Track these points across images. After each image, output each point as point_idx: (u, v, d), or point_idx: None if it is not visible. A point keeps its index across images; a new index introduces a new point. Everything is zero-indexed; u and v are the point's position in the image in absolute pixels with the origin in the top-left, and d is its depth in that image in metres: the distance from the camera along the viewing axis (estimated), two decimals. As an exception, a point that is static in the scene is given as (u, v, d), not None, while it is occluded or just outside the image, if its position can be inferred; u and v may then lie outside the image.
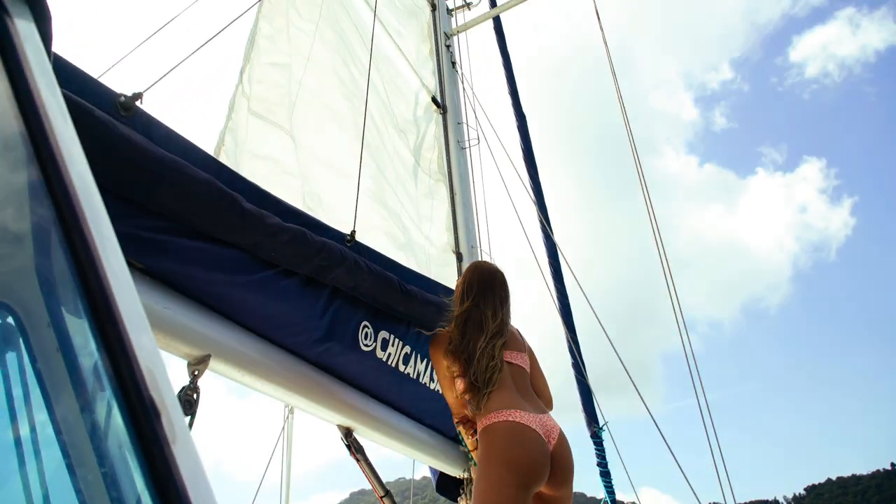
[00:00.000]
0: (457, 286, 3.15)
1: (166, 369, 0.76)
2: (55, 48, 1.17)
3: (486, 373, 2.77)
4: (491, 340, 2.85)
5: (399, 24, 6.45)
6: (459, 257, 5.45)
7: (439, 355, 2.98)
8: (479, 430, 2.72)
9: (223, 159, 3.62)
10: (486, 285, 3.01)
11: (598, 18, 6.38)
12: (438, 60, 6.73)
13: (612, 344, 4.69)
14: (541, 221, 5.60)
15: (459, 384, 2.86)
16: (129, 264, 2.07)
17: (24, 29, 0.95)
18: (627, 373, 4.57)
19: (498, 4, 7.06)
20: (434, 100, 6.48)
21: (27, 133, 0.90)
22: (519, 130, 6.40)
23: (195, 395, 2.33)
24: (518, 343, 3.09)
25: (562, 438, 2.77)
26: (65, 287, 0.90)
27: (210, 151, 3.62)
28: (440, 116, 6.40)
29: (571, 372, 5.08)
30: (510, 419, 2.63)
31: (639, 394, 4.51)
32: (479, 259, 5.43)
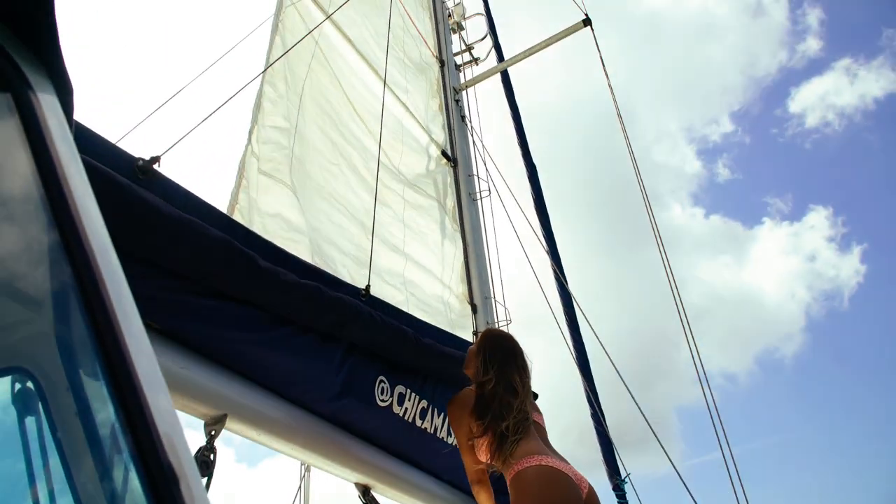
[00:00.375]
0: (470, 354, 3.15)
1: (184, 432, 0.76)
2: (80, 114, 1.21)
3: (517, 427, 2.76)
4: (523, 402, 2.87)
5: (406, 82, 6.54)
6: (474, 308, 5.44)
7: (462, 417, 2.96)
8: (509, 480, 2.65)
9: (237, 217, 3.67)
10: (507, 355, 3.00)
11: (606, 73, 6.49)
12: (448, 115, 6.84)
13: (632, 396, 4.61)
14: (555, 272, 5.59)
15: (481, 445, 2.83)
16: (147, 325, 2.09)
17: (46, 102, 0.99)
18: (649, 425, 4.48)
19: (505, 59, 7.20)
20: (444, 153, 6.55)
21: (48, 201, 0.93)
22: (530, 181, 6.45)
23: (212, 456, 2.31)
24: (534, 405, 3.14)
25: (592, 491, 2.72)
26: (83, 350, 0.91)
27: (224, 210, 3.68)
28: (451, 169, 6.48)
29: (584, 429, 4.99)
30: (542, 463, 2.58)
31: (662, 446, 4.41)
32: (494, 308, 5.42)
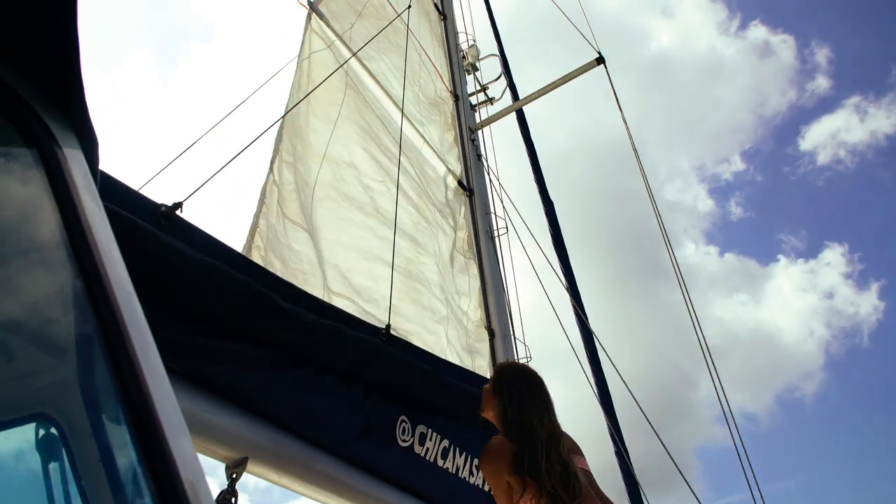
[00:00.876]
0: (486, 394, 2.88)
1: (205, 477, 0.77)
2: (105, 160, 1.24)
3: (567, 486, 2.47)
4: (550, 448, 2.55)
5: (421, 115, 6.72)
6: (491, 333, 5.45)
7: (498, 474, 2.60)
8: None
9: (255, 255, 3.72)
10: (529, 391, 2.74)
11: (620, 109, 6.54)
12: (464, 152, 6.93)
13: (657, 434, 4.54)
14: (575, 308, 5.56)
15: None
16: (168, 369, 2.11)
17: (71, 156, 1.02)
18: (676, 465, 4.39)
19: (520, 97, 7.28)
20: (460, 183, 6.67)
21: (73, 251, 0.95)
22: (547, 217, 6.46)
23: (233, 500, 2.31)
24: (576, 446, 2.82)
25: None
26: (106, 396, 0.92)
27: (243, 246, 3.73)
28: (467, 199, 6.57)
29: (603, 467, 4.89)
30: None
31: (689, 487, 4.32)
32: (513, 345, 5.39)
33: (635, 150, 6.40)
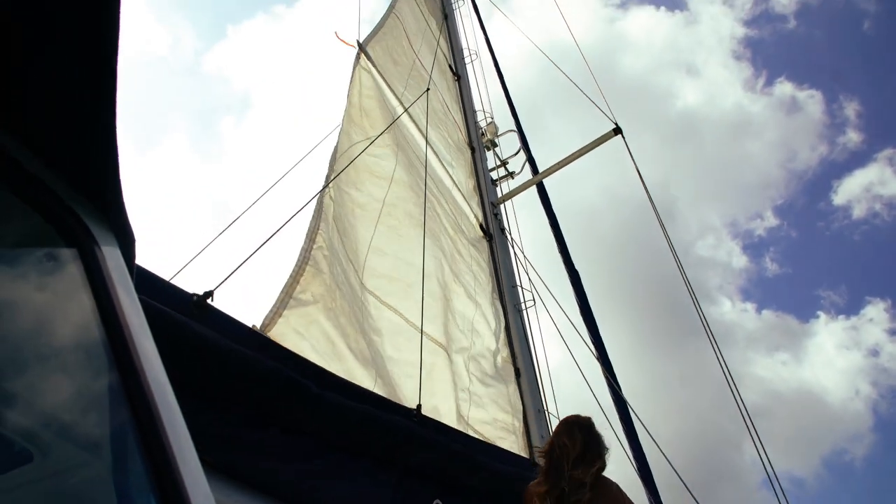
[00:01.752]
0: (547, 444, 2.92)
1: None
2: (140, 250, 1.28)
3: None
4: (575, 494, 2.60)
5: (451, 158, 7.23)
6: (517, 373, 5.42)
7: None
8: None
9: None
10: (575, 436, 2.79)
11: (640, 176, 6.59)
12: (487, 225, 7.04)
13: (697, 502, 4.35)
14: (607, 379, 5.46)
15: None
16: (202, 461, 2.10)
17: (109, 254, 1.06)
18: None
19: (539, 171, 7.38)
20: (482, 227, 6.96)
21: (110, 346, 0.97)
22: (574, 287, 6.42)
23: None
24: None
25: None
26: (140, 490, 0.92)
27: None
28: (488, 243, 6.85)
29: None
30: None
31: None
32: (547, 420, 5.28)
33: (656, 212, 6.41)
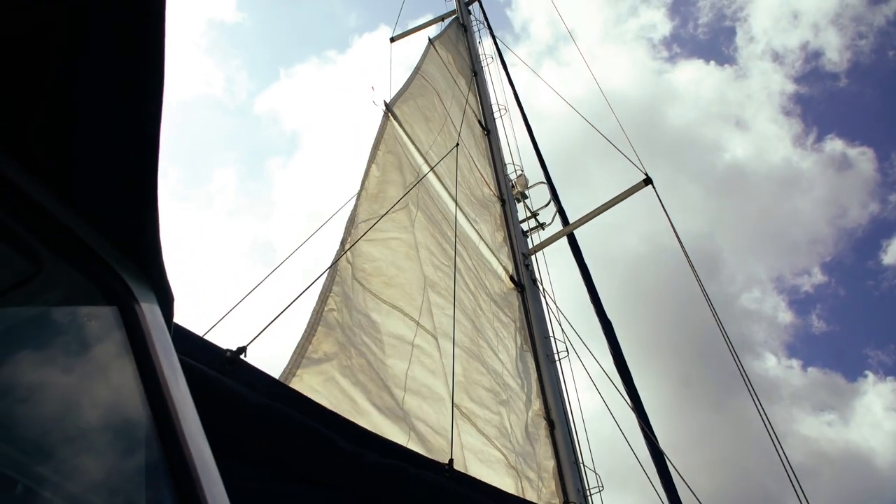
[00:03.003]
0: None
1: None
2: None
3: None
4: None
5: (476, 214, 7.31)
6: (551, 425, 5.34)
7: None
8: None
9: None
10: None
11: (673, 227, 6.56)
12: (519, 277, 7.02)
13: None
14: (643, 430, 5.34)
15: None
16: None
17: (149, 311, 1.09)
18: None
19: (570, 222, 7.40)
20: (512, 279, 6.97)
21: (149, 404, 1.00)
22: (607, 338, 6.36)
23: None
24: None
25: None
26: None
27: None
28: (519, 294, 6.84)
29: None
30: None
31: None
32: (583, 473, 5.16)
33: (691, 265, 6.35)
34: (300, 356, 3.81)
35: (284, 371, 3.69)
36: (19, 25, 0.80)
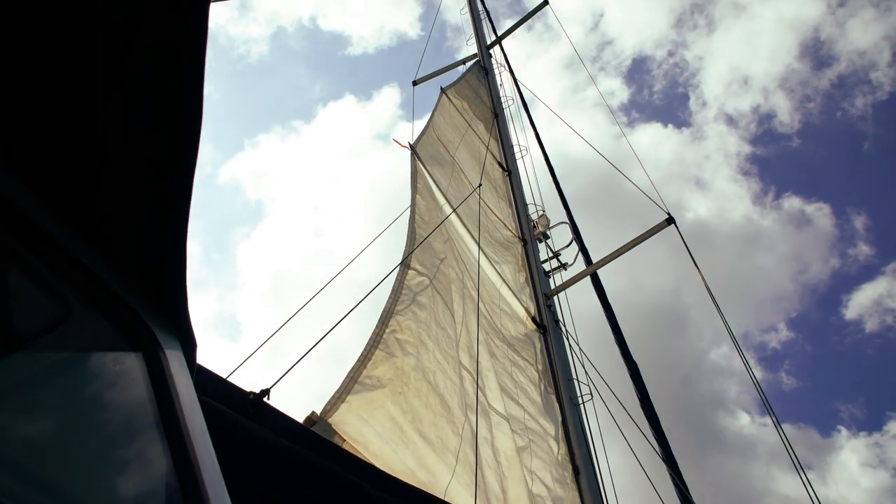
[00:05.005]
0: None
1: None
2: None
3: None
4: None
5: (497, 255, 7.40)
6: (576, 471, 5.23)
7: None
8: None
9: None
10: None
11: (696, 265, 6.50)
12: (541, 317, 6.97)
13: None
14: (672, 477, 5.21)
15: None
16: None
17: (172, 357, 1.11)
18: None
19: (593, 261, 7.36)
20: (534, 319, 6.97)
21: (171, 450, 1.00)
22: (633, 379, 6.24)
23: None
24: None
25: None
26: None
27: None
28: (542, 335, 6.85)
29: None
30: None
31: None
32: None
33: (716, 303, 6.26)
34: (353, 381, 3.83)
35: (333, 397, 3.70)
36: (61, 85, 0.84)
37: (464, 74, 11.50)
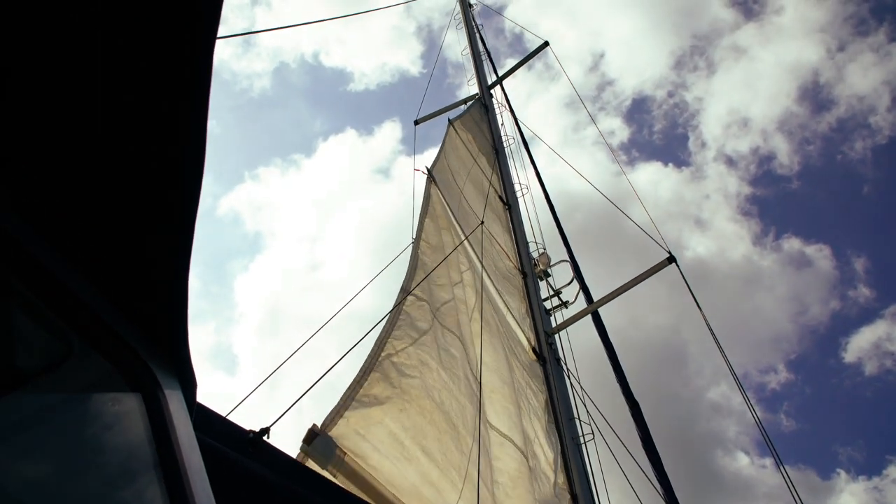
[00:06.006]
0: None
1: None
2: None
3: None
4: None
5: (501, 286, 7.53)
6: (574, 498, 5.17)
7: None
8: None
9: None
10: None
11: (698, 304, 6.48)
12: (541, 352, 6.96)
13: None
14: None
15: None
16: None
17: (172, 397, 1.10)
18: None
19: (594, 300, 7.34)
20: (534, 350, 7.05)
21: (167, 490, 0.99)
22: (634, 419, 6.17)
23: None
24: None
25: None
26: None
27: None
28: (541, 367, 6.90)
29: None
30: None
31: None
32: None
33: (718, 343, 6.23)
34: (350, 398, 3.82)
35: (332, 413, 3.68)
36: (63, 128, 0.85)
37: (466, 110, 11.69)
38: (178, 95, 0.88)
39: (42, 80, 0.80)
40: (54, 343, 1.00)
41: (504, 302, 7.16)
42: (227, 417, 2.45)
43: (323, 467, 3.26)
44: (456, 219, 7.22)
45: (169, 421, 1.05)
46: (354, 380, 4.02)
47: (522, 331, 7.19)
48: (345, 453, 3.45)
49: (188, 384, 1.17)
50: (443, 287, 5.78)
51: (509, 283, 7.98)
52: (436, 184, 7.33)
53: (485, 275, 6.63)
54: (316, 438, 3.31)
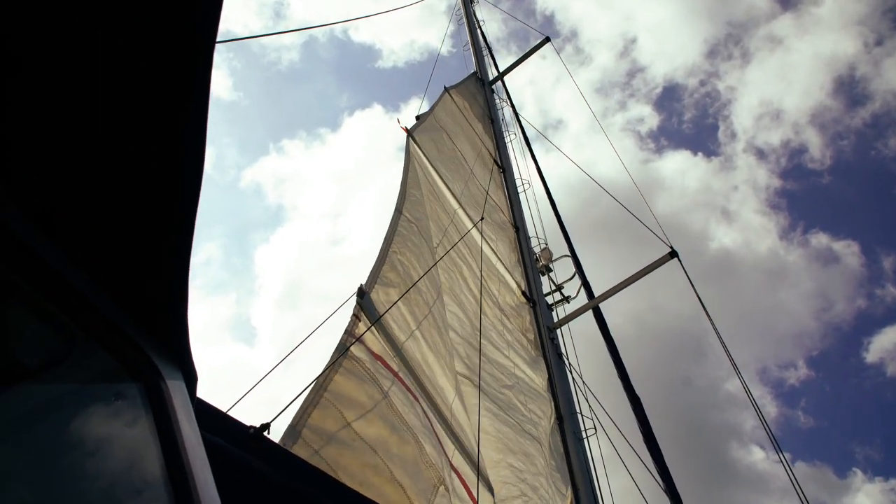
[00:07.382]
0: None
1: None
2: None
3: None
4: None
5: (494, 235, 7.87)
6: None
7: None
8: None
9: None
10: None
11: (700, 299, 6.49)
12: (544, 352, 6.95)
13: None
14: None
15: None
16: None
17: (174, 388, 1.12)
18: None
19: (595, 295, 7.35)
20: (523, 293, 7.40)
21: (170, 481, 1.01)
22: (635, 414, 6.19)
23: None
24: None
25: None
26: None
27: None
28: (531, 308, 7.23)
29: None
30: None
31: None
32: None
33: (722, 341, 6.24)
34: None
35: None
36: (60, 125, 0.87)
37: (464, 80, 11.89)
38: (178, 95, 0.89)
39: (42, 80, 0.82)
40: (55, 337, 1.02)
41: (493, 249, 7.50)
42: (227, 413, 2.47)
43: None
44: (444, 181, 7.35)
45: (172, 411, 1.07)
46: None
47: (512, 276, 7.61)
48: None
49: (190, 376, 1.19)
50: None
51: (503, 232, 8.37)
52: (416, 142, 7.38)
53: (481, 278, 6.71)
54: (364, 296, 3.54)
